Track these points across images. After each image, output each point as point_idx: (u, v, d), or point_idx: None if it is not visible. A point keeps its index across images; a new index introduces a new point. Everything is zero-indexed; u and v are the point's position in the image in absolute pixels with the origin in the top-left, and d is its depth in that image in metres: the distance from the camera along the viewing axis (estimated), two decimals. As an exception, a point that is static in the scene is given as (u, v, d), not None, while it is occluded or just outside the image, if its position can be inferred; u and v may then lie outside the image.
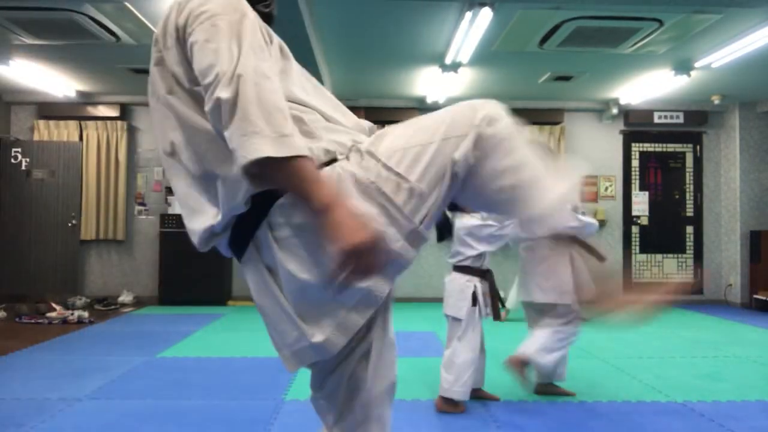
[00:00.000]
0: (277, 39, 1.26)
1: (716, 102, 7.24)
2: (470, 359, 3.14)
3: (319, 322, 1.12)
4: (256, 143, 0.99)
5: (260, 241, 1.14)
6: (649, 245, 7.87)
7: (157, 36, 1.21)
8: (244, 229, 1.15)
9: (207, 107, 1.06)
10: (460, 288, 3.23)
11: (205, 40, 1.09)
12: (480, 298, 3.22)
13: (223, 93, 1.02)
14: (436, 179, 1.14)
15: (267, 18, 1.33)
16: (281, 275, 1.13)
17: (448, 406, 3.15)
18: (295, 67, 1.27)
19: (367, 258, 1.00)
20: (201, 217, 1.18)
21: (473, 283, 3.22)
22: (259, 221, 1.12)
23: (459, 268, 3.29)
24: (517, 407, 3.24)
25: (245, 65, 1.04)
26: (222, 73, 1.04)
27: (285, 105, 1.06)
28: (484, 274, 3.28)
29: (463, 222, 3.29)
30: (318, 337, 1.12)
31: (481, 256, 3.25)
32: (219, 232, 1.18)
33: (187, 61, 1.15)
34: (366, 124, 1.35)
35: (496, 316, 3.33)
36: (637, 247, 7.87)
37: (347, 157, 1.14)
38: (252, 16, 1.15)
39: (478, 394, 3.37)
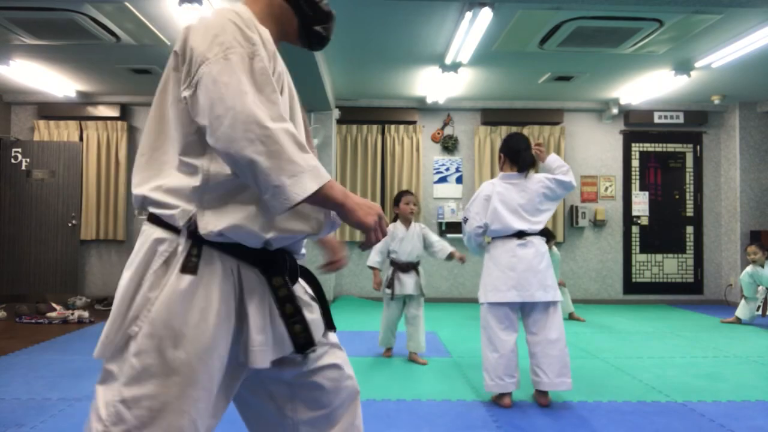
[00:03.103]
0: (280, 68, 1.26)
1: (716, 102, 7.24)
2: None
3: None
4: (303, 182, 1.09)
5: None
6: (649, 245, 7.87)
7: (176, 50, 1.21)
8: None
9: (231, 165, 1.11)
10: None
11: (217, 72, 1.10)
12: None
13: (254, 147, 1.07)
14: None
15: (322, 40, 1.43)
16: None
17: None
18: (291, 99, 1.30)
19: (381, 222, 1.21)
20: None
21: None
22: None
23: None
24: (517, 407, 3.24)
25: (263, 115, 1.09)
26: (241, 121, 1.07)
27: (302, 139, 1.14)
28: None
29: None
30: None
31: None
32: None
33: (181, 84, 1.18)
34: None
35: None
36: (637, 247, 7.87)
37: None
38: (262, 52, 1.17)
39: (411, 358, 4.25)
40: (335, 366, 1.39)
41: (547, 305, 3.28)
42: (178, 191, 1.17)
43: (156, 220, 1.20)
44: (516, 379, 3.26)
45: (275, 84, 1.16)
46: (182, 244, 1.16)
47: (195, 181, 1.16)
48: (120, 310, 1.17)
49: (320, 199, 1.13)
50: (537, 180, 3.38)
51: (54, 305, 6.06)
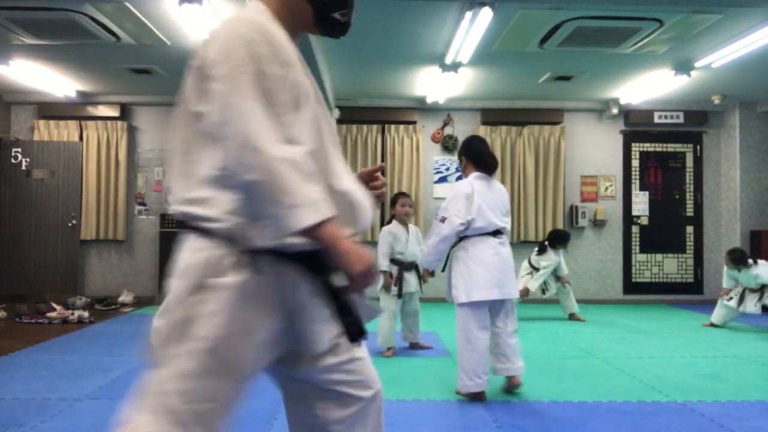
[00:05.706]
0: (296, 77, 1.23)
1: (716, 102, 7.24)
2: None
3: None
4: (299, 215, 1.10)
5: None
6: (649, 245, 7.87)
7: (195, 66, 1.24)
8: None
9: (234, 186, 1.14)
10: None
11: (227, 92, 1.13)
12: None
13: (253, 175, 1.09)
14: None
15: (341, 27, 1.37)
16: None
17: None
18: (316, 106, 1.29)
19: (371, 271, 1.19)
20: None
21: None
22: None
23: None
24: (517, 407, 3.25)
25: (267, 142, 1.10)
26: (246, 147, 1.10)
27: (310, 168, 1.15)
28: None
29: None
30: None
31: None
32: None
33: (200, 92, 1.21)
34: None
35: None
36: (637, 247, 7.86)
37: None
38: (272, 69, 1.16)
39: (416, 346, 4.60)
40: (358, 358, 1.40)
41: (508, 300, 3.47)
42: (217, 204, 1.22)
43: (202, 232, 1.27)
44: (488, 376, 3.35)
45: (288, 99, 1.18)
46: (235, 252, 1.22)
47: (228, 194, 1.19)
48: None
49: (315, 234, 1.12)
50: (499, 183, 3.59)
51: (54, 305, 6.06)
